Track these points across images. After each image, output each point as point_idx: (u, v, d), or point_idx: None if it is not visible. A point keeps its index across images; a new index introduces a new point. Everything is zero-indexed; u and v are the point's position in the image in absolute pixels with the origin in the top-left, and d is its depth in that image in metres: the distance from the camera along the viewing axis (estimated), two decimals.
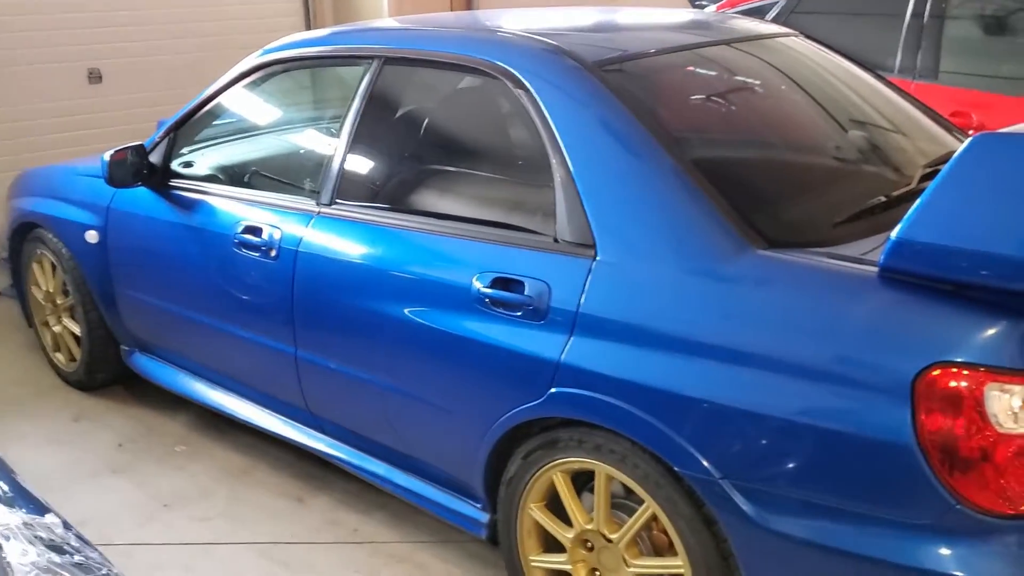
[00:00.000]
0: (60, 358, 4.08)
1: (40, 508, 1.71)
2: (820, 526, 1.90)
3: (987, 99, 4.56)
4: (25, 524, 1.60)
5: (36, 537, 1.58)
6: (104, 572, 1.52)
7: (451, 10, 7.58)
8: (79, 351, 3.94)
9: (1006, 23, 4.88)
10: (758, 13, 5.24)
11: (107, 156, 3.32)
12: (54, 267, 3.92)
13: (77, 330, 3.90)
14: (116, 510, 3.18)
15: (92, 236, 3.61)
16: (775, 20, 4.97)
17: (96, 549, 1.62)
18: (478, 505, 2.61)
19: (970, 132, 2.98)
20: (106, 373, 3.95)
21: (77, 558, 1.54)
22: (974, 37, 4.96)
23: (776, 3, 5.35)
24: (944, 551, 1.79)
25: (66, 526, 1.64)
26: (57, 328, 4.03)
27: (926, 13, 4.82)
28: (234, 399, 3.34)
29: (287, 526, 3.07)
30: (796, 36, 3.02)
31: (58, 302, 3.98)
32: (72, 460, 3.51)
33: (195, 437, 3.64)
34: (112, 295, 3.65)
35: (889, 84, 3.00)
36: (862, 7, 5.14)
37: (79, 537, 1.62)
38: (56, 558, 1.51)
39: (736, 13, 5.18)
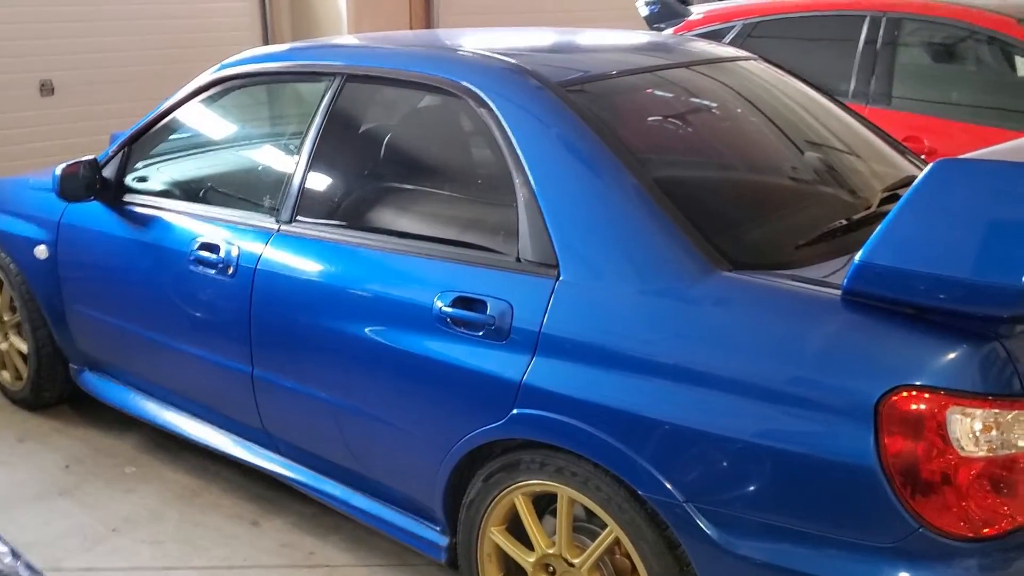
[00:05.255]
0: (6, 376, 3.97)
1: None
2: (783, 549, 1.90)
3: (938, 124, 4.65)
4: None
5: None
6: None
7: (410, 27, 7.58)
8: (26, 369, 3.84)
9: (955, 51, 5.00)
10: (715, 37, 5.31)
11: (59, 170, 3.25)
12: (1, 283, 3.82)
13: (24, 348, 3.80)
14: (63, 534, 3.09)
15: (42, 251, 3.53)
16: (731, 44, 5.03)
17: None
18: (437, 528, 2.57)
19: (923, 156, 3.04)
20: (53, 392, 3.85)
21: None
22: (925, 64, 5.07)
23: (733, 27, 5.43)
24: (906, 574, 1.79)
25: (14, 554, 1.58)
26: (3, 345, 3.92)
27: (879, 40, 4.92)
28: (187, 419, 3.27)
29: (241, 549, 3.00)
30: (756, 60, 3.05)
31: (5, 319, 3.88)
32: (17, 482, 3.41)
33: (145, 458, 3.56)
34: (62, 312, 3.56)
35: (846, 108, 3.04)
36: (817, 33, 5.23)
37: (28, 566, 1.56)
38: None
39: (694, 36, 5.24)
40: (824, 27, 5.22)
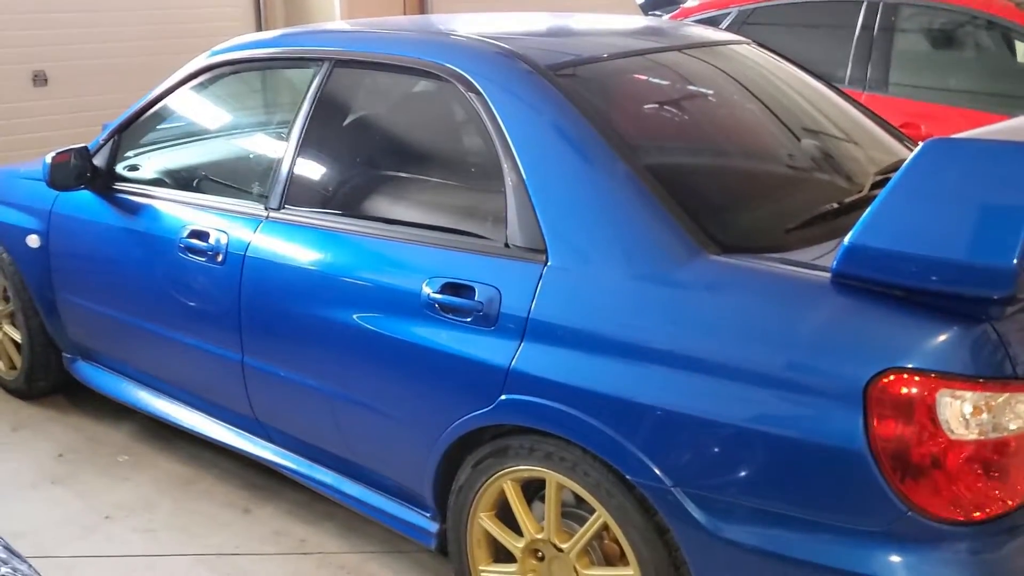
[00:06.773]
0: (0, 366, 3.96)
1: None
2: (772, 534, 1.88)
3: (936, 110, 4.62)
4: None
5: None
6: None
7: (404, 13, 7.55)
8: (19, 359, 3.83)
9: (953, 37, 4.96)
10: (711, 24, 5.28)
11: (49, 158, 3.24)
12: None
13: (17, 337, 3.79)
14: (56, 522, 3.08)
15: (33, 240, 3.52)
16: (727, 31, 5.00)
17: (26, 561, 1.55)
18: (427, 514, 2.56)
19: (919, 143, 3.01)
20: (47, 381, 3.84)
21: (4, 570, 1.47)
22: (922, 50, 5.03)
23: (729, 14, 5.40)
24: (895, 558, 1.78)
25: None
26: None
27: (876, 26, 4.89)
28: (179, 407, 3.26)
29: (233, 537, 3.00)
30: (748, 44, 3.02)
31: None
32: (10, 471, 3.40)
33: (138, 447, 3.55)
34: (54, 301, 3.55)
35: (840, 92, 3.02)
36: (813, 19, 5.20)
37: (7, 548, 1.55)
38: None
39: (690, 22, 5.21)
40: (820, 13, 5.18)
